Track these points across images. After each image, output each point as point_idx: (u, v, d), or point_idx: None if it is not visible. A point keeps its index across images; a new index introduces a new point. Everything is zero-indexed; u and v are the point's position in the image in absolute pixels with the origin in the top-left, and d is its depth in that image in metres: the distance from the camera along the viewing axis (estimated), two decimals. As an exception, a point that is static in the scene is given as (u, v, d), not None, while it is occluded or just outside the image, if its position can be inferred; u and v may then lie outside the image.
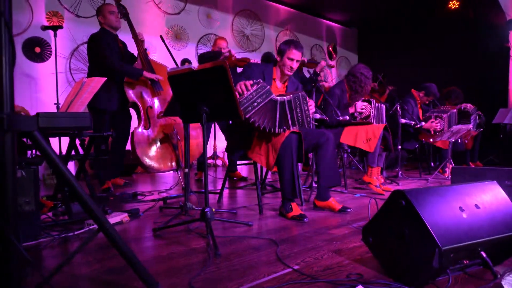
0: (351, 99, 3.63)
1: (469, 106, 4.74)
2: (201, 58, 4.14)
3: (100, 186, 3.59)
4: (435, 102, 4.84)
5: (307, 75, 5.43)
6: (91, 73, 3.53)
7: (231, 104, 1.96)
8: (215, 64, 1.86)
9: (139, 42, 3.67)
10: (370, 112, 3.48)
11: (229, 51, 3.95)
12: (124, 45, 3.75)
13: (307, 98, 2.46)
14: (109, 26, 3.59)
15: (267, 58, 4.80)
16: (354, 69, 3.64)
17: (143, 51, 3.68)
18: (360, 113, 3.50)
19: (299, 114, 2.44)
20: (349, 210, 2.64)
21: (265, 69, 2.74)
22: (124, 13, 3.70)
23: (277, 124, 2.42)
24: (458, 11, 7.00)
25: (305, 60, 5.19)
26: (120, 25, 3.66)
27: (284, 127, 2.45)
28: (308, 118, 2.49)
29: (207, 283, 1.43)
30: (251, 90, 2.35)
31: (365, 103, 3.53)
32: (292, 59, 2.65)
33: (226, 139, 2.84)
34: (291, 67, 2.67)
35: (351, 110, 3.53)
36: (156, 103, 3.72)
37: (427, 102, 4.77)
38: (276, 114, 2.41)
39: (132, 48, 3.82)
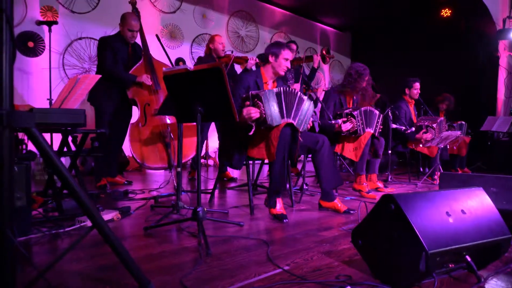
0: (346, 94, 3.70)
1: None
2: (199, 61, 4.25)
3: (96, 183, 3.61)
4: (426, 108, 4.91)
5: (307, 72, 5.49)
6: (97, 72, 3.71)
7: (226, 105, 1.98)
8: (211, 65, 1.88)
9: (146, 43, 3.79)
10: (354, 126, 3.39)
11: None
12: (134, 49, 3.84)
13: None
14: (124, 36, 3.72)
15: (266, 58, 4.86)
16: (349, 66, 3.75)
17: (146, 51, 3.79)
18: (342, 130, 3.39)
19: (302, 117, 2.62)
20: (352, 212, 2.70)
21: (257, 77, 2.83)
22: (136, 15, 3.82)
23: (285, 114, 2.54)
24: (450, 19, 7.12)
25: (303, 58, 5.25)
26: (132, 42, 3.79)
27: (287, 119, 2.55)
28: (306, 124, 2.67)
29: (198, 281, 1.45)
30: (263, 106, 2.43)
31: (346, 121, 3.40)
32: (287, 59, 2.81)
33: (220, 144, 2.90)
34: (286, 67, 2.83)
35: (336, 127, 3.43)
36: (154, 101, 3.75)
37: (417, 96, 4.76)
38: (283, 104, 2.54)
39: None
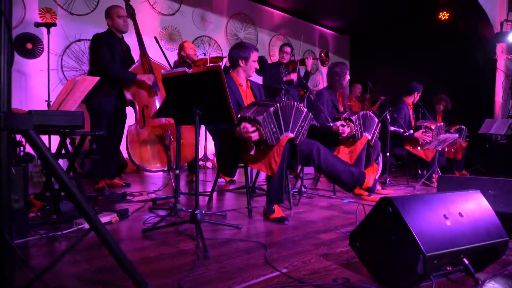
0: (335, 92, 3.81)
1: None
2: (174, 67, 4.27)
3: (94, 185, 3.59)
4: (424, 111, 4.92)
5: (301, 73, 5.50)
6: (91, 73, 3.58)
7: (224, 107, 1.98)
8: (209, 68, 1.88)
9: (143, 42, 3.74)
10: (352, 130, 3.42)
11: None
12: (127, 48, 3.80)
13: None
14: (116, 29, 3.65)
15: (261, 62, 4.85)
16: (332, 67, 3.82)
17: (145, 52, 3.75)
18: (340, 133, 3.43)
19: (301, 128, 2.63)
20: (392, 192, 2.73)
21: (229, 82, 2.82)
22: (131, 13, 3.78)
23: (283, 129, 2.52)
24: (448, 23, 7.14)
25: (297, 61, 5.27)
26: (127, 29, 3.73)
27: (284, 132, 2.54)
28: (303, 136, 2.67)
29: (196, 284, 1.44)
30: (263, 129, 2.40)
31: (345, 125, 3.44)
32: (255, 61, 2.84)
33: (217, 154, 2.89)
34: (255, 68, 2.88)
35: (334, 128, 3.47)
36: (153, 102, 3.74)
37: (417, 99, 4.83)
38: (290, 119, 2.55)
39: (134, 48, 3.89)
